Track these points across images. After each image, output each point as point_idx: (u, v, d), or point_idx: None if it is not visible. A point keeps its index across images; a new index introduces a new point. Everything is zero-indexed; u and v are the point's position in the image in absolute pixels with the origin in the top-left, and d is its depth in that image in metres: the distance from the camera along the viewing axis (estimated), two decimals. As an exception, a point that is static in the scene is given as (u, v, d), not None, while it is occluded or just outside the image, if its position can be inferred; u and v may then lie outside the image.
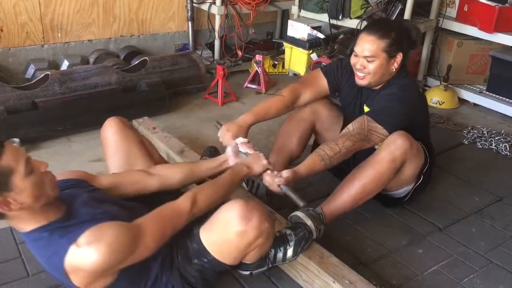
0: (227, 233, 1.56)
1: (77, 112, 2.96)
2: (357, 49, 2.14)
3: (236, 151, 1.97)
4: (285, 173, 1.88)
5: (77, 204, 1.51)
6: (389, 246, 2.14)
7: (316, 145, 2.51)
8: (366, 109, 2.24)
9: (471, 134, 3.17)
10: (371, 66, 2.11)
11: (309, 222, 1.92)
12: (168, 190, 1.82)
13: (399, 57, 2.12)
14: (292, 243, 1.83)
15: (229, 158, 1.96)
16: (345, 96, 2.34)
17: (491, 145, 3.06)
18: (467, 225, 2.32)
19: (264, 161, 1.90)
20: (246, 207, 1.54)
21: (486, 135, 3.14)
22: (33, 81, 3.10)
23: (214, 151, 2.37)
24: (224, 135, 2.09)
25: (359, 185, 2.04)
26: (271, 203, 2.22)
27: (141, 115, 2.95)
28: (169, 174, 1.83)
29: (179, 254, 1.64)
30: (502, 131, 3.18)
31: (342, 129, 2.37)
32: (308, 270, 1.84)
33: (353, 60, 2.17)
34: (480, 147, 3.08)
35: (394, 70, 2.15)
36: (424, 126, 2.34)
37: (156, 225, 1.50)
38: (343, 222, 2.19)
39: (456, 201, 2.49)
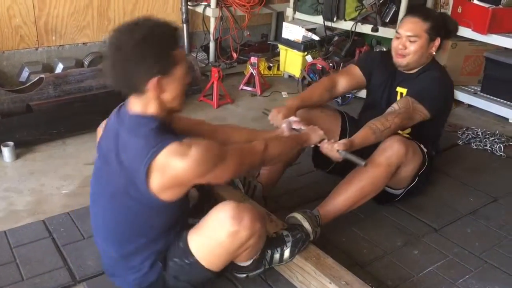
0: (219, 234, 1.55)
1: (72, 115, 2.95)
2: (401, 30, 2.25)
3: (290, 128, 2.06)
4: (343, 141, 1.98)
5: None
6: (384, 247, 2.14)
7: (316, 149, 2.51)
8: (400, 89, 2.34)
9: (466, 135, 3.18)
10: (413, 47, 2.22)
11: (306, 224, 1.92)
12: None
13: (437, 41, 2.25)
14: (289, 244, 1.83)
15: (284, 133, 2.06)
16: (375, 82, 2.43)
17: (486, 146, 3.07)
18: (462, 226, 2.32)
19: (321, 132, 2.02)
20: (238, 208, 1.55)
21: (480, 136, 3.16)
22: (27, 84, 3.08)
23: None
24: (276, 116, 2.15)
25: (356, 188, 2.05)
26: (267, 205, 2.22)
27: (136, 117, 2.94)
28: (235, 135, 2.00)
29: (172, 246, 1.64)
30: (497, 132, 3.19)
31: (341, 130, 2.39)
32: (304, 271, 1.84)
33: (395, 42, 2.28)
34: (475, 148, 3.09)
35: (432, 53, 2.27)
36: (444, 118, 2.45)
37: (238, 154, 1.61)
38: (339, 223, 2.19)
39: (451, 202, 2.50)
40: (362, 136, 2.05)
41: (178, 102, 1.54)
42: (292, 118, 2.09)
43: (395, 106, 2.16)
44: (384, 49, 3.74)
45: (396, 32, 2.29)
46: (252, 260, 1.78)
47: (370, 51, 2.59)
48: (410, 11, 2.39)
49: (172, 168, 1.42)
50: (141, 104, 1.48)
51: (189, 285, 1.67)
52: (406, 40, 2.23)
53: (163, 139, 1.43)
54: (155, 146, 1.41)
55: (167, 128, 1.51)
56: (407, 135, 2.32)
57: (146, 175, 1.43)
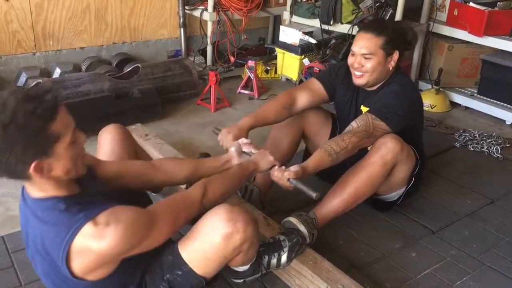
0: (213, 237, 1.51)
1: (70, 119, 2.94)
2: (355, 48, 2.16)
3: (239, 151, 1.96)
4: (294, 168, 1.87)
5: (92, 190, 1.46)
6: (382, 249, 2.15)
7: (307, 151, 2.52)
8: (364, 109, 2.25)
9: (463, 137, 3.19)
10: (369, 64, 2.12)
11: (302, 228, 1.92)
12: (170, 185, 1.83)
13: (396, 55, 2.15)
14: (286, 249, 1.84)
15: (232, 158, 1.94)
16: (341, 98, 2.34)
17: (483, 147, 3.08)
18: (459, 228, 2.33)
19: (271, 158, 1.90)
20: (231, 211, 1.53)
21: (477, 138, 3.16)
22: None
23: (206, 157, 2.37)
24: (225, 137, 2.05)
25: (351, 189, 2.04)
26: (264, 209, 2.23)
27: (134, 122, 2.94)
28: (175, 171, 1.83)
29: (153, 268, 1.57)
30: (494, 134, 3.20)
31: (331, 132, 2.39)
32: (301, 275, 1.84)
33: (350, 59, 2.19)
34: (472, 150, 3.09)
35: (391, 68, 2.17)
36: (419, 126, 2.36)
37: (169, 212, 1.47)
38: (336, 226, 2.19)
39: (448, 204, 2.50)
40: (316, 160, 1.95)
41: (75, 171, 1.35)
42: (242, 140, 1.98)
43: (353, 124, 2.06)
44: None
45: (351, 49, 2.19)
46: (248, 265, 1.79)
47: (334, 65, 2.42)
48: (363, 27, 2.25)
49: (92, 252, 1.29)
50: (36, 189, 1.34)
51: None
52: (361, 58, 2.13)
53: (75, 222, 1.28)
54: (68, 233, 1.28)
55: (79, 200, 1.36)
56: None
57: (66, 265, 1.31)
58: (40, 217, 1.35)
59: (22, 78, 3.45)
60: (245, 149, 1.96)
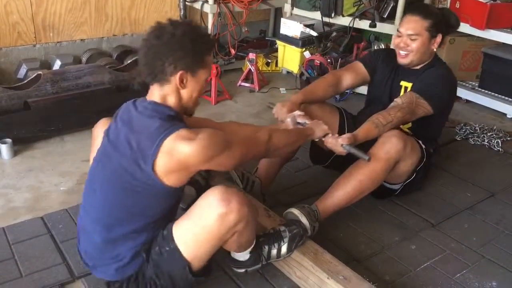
0: (206, 217, 1.53)
1: (70, 112, 2.95)
2: (401, 29, 2.29)
3: (295, 122, 2.09)
4: (346, 135, 1.99)
5: None
6: (382, 242, 2.15)
7: (313, 144, 2.52)
8: (404, 84, 2.36)
9: (464, 130, 3.19)
10: (414, 45, 2.25)
11: (303, 220, 1.93)
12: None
13: (439, 38, 2.28)
14: (286, 240, 1.84)
15: (289, 127, 2.08)
16: (379, 76, 2.45)
17: (484, 141, 3.08)
18: (459, 221, 2.33)
19: (325, 126, 2.04)
20: (226, 191, 1.55)
21: (478, 131, 3.16)
22: (25, 81, 3.08)
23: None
24: (280, 110, 2.17)
25: (355, 183, 2.05)
26: (265, 201, 2.23)
27: (134, 114, 2.93)
28: (240, 131, 2.00)
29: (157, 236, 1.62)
30: (494, 127, 3.20)
31: (339, 126, 2.40)
32: (302, 267, 1.84)
33: (396, 40, 2.33)
34: (473, 143, 3.09)
35: (434, 50, 2.31)
36: (447, 113, 2.46)
37: (242, 142, 1.68)
38: (337, 219, 2.19)
39: (448, 197, 2.50)
40: (365, 130, 2.07)
41: (193, 103, 1.62)
42: (297, 112, 2.11)
43: (398, 100, 2.18)
44: (386, 46, 3.74)
45: (398, 30, 2.33)
46: (249, 255, 1.80)
47: (375, 50, 2.65)
48: (410, 9, 2.40)
49: (179, 151, 1.46)
50: (161, 94, 1.56)
51: (170, 284, 1.62)
52: (407, 39, 2.26)
53: (175, 125, 1.50)
54: (167, 129, 1.48)
55: (180, 120, 1.58)
56: (408, 130, 2.33)
57: (155, 156, 1.46)
58: (150, 114, 1.53)
59: (22, 70, 3.44)
60: (299, 120, 2.09)
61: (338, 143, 1.97)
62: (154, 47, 1.52)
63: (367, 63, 2.47)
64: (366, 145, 2.10)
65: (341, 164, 2.22)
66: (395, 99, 2.21)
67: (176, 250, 1.57)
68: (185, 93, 1.57)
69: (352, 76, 2.45)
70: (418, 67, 2.34)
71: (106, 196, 1.59)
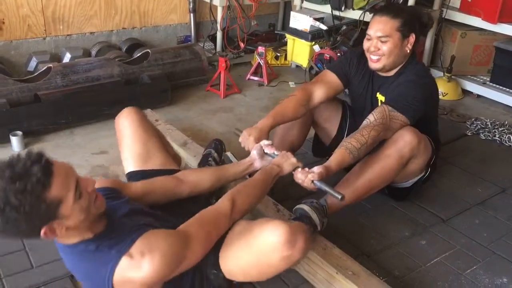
0: (270, 258, 1.46)
1: (80, 104, 2.95)
2: (370, 31, 2.14)
3: (262, 153, 1.97)
4: (317, 169, 1.83)
5: (119, 216, 1.48)
6: (392, 237, 2.14)
7: (316, 137, 2.51)
8: (379, 97, 2.23)
9: (475, 125, 3.16)
10: (385, 47, 2.10)
11: (314, 216, 1.91)
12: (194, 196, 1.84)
13: (412, 38, 2.12)
14: (295, 235, 1.82)
15: (254, 161, 1.96)
16: (356, 86, 2.31)
17: (495, 136, 3.05)
18: (470, 217, 2.31)
19: (294, 159, 1.88)
20: (290, 231, 1.45)
21: (489, 126, 3.13)
22: (35, 74, 3.10)
23: (220, 144, 2.34)
24: (247, 139, 2.03)
25: (365, 180, 2.02)
26: (274, 195, 2.22)
27: (143, 107, 2.90)
28: (199, 181, 1.84)
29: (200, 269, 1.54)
30: (506, 122, 3.17)
31: (341, 119, 2.37)
32: (311, 261, 1.84)
33: (366, 44, 2.17)
34: (484, 138, 3.07)
35: (407, 51, 2.14)
36: (435, 113, 2.33)
37: (201, 230, 1.47)
38: (346, 214, 2.18)
39: (459, 193, 2.49)
40: (338, 159, 1.91)
41: (90, 217, 1.35)
42: (264, 142, 1.99)
43: (370, 117, 2.02)
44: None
45: (366, 33, 2.16)
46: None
47: (346, 53, 2.41)
48: (378, 11, 2.21)
49: (134, 282, 1.32)
50: (63, 239, 1.38)
51: None
52: (378, 41, 2.11)
53: (110, 260, 1.32)
54: (107, 271, 1.32)
55: (107, 233, 1.39)
56: None
57: None
58: (75, 261, 1.42)
59: (33, 63, 3.46)
60: (267, 150, 1.97)
61: (308, 180, 1.82)
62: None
63: (340, 73, 2.29)
64: (375, 146, 2.06)
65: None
66: (367, 117, 2.03)
67: (221, 276, 1.53)
68: (72, 226, 1.31)
69: (324, 89, 2.26)
70: (391, 73, 2.19)
71: None
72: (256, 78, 3.88)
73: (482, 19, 3.41)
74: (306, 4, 3.99)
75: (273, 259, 1.46)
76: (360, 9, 3.62)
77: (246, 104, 3.48)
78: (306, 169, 1.86)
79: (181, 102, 3.42)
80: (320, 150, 2.48)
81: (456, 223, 2.26)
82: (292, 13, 3.99)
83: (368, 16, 3.57)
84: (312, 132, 2.51)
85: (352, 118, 2.36)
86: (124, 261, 1.31)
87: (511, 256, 2.06)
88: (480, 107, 3.57)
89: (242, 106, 3.44)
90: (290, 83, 3.87)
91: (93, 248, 1.36)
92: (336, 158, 1.91)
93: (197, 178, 1.85)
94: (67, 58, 3.55)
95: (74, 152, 2.74)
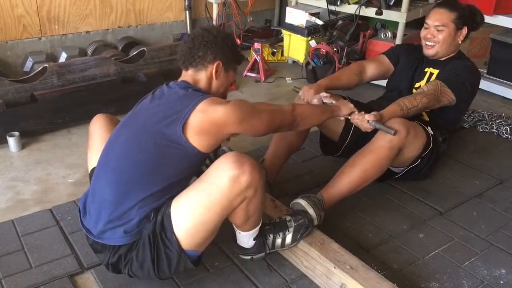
0: (219, 179, 1.54)
1: (76, 104, 2.95)
2: (429, 21, 2.39)
3: (321, 102, 2.16)
4: (372, 113, 2.06)
5: None
6: (389, 231, 2.15)
7: (322, 136, 2.51)
8: (429, 70, 2.44)
9: (472, 117, 3.16)
10: (441, 36, 2.35)
11: (310, 210, 1.92)
12: None
13: (465, 31, 2.37)
14: (291, 229, 1.84)
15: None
16: (404, 62, 2.52)
17: (492, 128, 3.05)
18: (468, 209, 2.32)
19: (351, 105, 2.09)
20: (239, 155, 1.60)
21: (486, 118, 3.13)
22: (31, 74, 3.09)
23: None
24: (307, 91, 2.23)
25: (359, 171, 2.06)
26: (272, 191, 2.23)
27: (140, 105, 2.94)
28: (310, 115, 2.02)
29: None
30: (503, 114, 3.17)
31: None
32: (309, 256, 1.84)
33: (423, 32, 2.42)
34: (481, 130, 3.07)
35: (459, 42, 2.40)
36: (466, 106, 2.54)
37: (268, 110, 1.75)
38: (344, 208, 2.19)
39: (456, 185, 2.49)
40: (391, 111, 2.13)
41: (221, 95, 1.75)
42: (323, 94, 2.17)
43: (424, 88, 2.26)
44: (392, 34, 3.70)
45: (425, 23, 2.41)
46: (253, 242, 1.81)
47: (398, 44, 2.92)
48: (438, 3, 2.49)
49: (213, 111, 1.56)
50: (194, 79, 1.71)
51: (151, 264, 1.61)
52: (434, 30, 2.35)
53: (207, 95, 1.64)
54: (201, 95, 1.61)
55: None
56: (425, 117, 2.38)
57: (188, 115, 1.55)
58: (184, 88, 1.66)
59: (29, 63, 3.45)
60: (325, 100, 2.15)
61: (364, 120, 2.04)
62: (202, 37, 1.69)
63: (391, 55, 2.56)
64: (364, 141, 2.11)
65: (352, 152, 2.20)
66: (421, 86, 2.30)
67: (169, 216, 1.57)
68: (215, 84, 1.73)
69: (376, 66, 2.54)
70: (443, 59, 2.42)
71: (128, 152, 1.62)
72: (253, 75, 3.88)
73: (478, 11, 3.40)
74: (302, 0, 3.98)
75: (222, 181, 1.54)
76: (355, 3, 3.62)
77: (243, 101, 3.47)
78: (363, 112, 2.07)
79: (178, 99, 3.41)
80: (329, 148, 2.49)
81: (454, 215, 2.26)
82: (288, 8, 3.98)
83: (363, 10, 3.57)
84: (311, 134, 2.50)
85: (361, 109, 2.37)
86: (214, 98, 1.62)
87: (509, 248, 2.06)
88: (477, 99, 3.50)
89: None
90: (287, 79, 3.87)
91: (200, 90, 1.68)
92: (389, 110, 2.14)
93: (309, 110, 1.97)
94: (63, 57, 3.55)
95: (71, 151, 2.74)
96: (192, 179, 1.70)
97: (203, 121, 1.56)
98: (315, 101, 2.17)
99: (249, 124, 1.65)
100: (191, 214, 1.56)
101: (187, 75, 1.72)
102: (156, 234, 1.59)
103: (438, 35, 2.35)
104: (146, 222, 1.59)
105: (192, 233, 1.58)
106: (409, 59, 2.52)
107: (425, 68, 2.46)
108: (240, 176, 1.54)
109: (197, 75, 1.71)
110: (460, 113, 2.58)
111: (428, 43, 2.39)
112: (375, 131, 2.11)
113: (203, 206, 1.56)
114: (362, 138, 2.20)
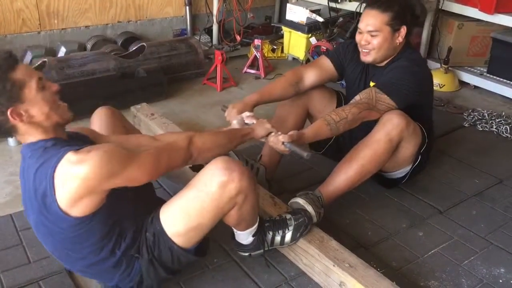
0: (209, 185, 1.53)
1: (75, 99, 2.88)
2: (361, 25, 2.15)
3: (242, 124, 2.00)
4: (291, 132, 1.89)
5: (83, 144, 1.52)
6: (389, 229, 2.14)
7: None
8: (372, 83, 2.22)
9: (472, 116, 3.16)
10: (375, 41, 2.11)
11: (309, 209, 1.91)
12: None
13: (403, 30, 2.12)
14: (291, 228, 1.84)
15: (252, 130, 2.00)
16: (350, 75, 2.33)
17: (492, 127, 3.05)
18: (467, 208, 2.31)
19: (268, 125, 1.92)
20: (229, 161, 1.56)
21: (486, 117, 3.13)
22: (30, 68, 3.07)
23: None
24: (230, 111, 2.10)
25: (357, 166, 2.03)
26: (271, 188, 2.22)
27: (139, 101, 2.93)
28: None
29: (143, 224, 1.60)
30: (503, 113, 3.16)
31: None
32: (308, 254, 1.84)
33: (357, 37, 2.18)
34: (481, 129, 3.06)
35: (398, 44, 2.15)
36: (429, 104, 2.33)
37: (152, 152, 1.50)
38: (343, 206, 2.19)
39: (456, 184, 2.49)
40: (315, 128, 1.95)
41: (55, 113, 1.45)
42: (245, 114, 2.02)
43: (356, 97, 2.06)
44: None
45: (358, 27, 2.19)
46: (251, 238, 1.80)
47: (343, 42, 2.53)
48: (369, 3, 2.20)
49: (73, 176, 1.34)
50: (26, 137, 1.45)
51: (164, 271, 1.62)
52: (368, 35, 2.12)
53: (59, 153, 1.37)
54: (52, 163, 1.37)
55: (67, 142, 1.47)
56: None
57: (53, 193, 1.36)
58: (33, 157, 1.43)
59: (28, 57, 3.44)
60: (247, 121, 2.00)
61: (279, 141, 1.85)
62: None
63: (335, 59, 2.31)
64: (367, 129, 2.07)
65: (336, 152, 2.19)
66: (354, 97, 2.07)
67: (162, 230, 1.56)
68: (35, 119, 1.41)
69: (317, 73, 2.29)
70: (383, 64, 2.20)
71: (43, 237, 1.57)
72: (252, 71, 3.87)
73: (479, 10, 3.39)
74: (302, -4, 3.98)
75: (211, 188, 1.52)
76: (356, 0, 3.60)
77: (243, 97, 3.45)
78: (280, 133, 1.89)
79: (177, 95, 3.40)
80: (314, 144, 2.48)
81: (453, 214, 2.26)
82: (288, 5, 3.97)
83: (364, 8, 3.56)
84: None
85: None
86: (70, 155, 1.36)
87: (508, 247, 2.06)
88: (477, 98, 3.56)
89: (238, 99, 3.40)
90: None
91: (49, 144, 1.43)
92: (312, 126, 1.97)
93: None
94: (62, 52, 3.53)
95: (70, 146, 2.73)
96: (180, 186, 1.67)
97: (70, 192, 1.36)
98: (234, 122, 2.00)
99: (124, 177, 1.40)
100: (184, 222, 1.57)
101: (20, 139, 1.48)
102: (153, 253, 1.58)
103: (372, 40, 2.11)
104: (133, 262, 1.59)
105: (187, 237, 1.59)
106: (356, 69, 2.29)
107: (370, 82, 2.25)
108: (229, 183, 1.53)
109: (21, 135, 1.45)
110: (426, 114, 2.31)
111: (363, 50, 2.16)
112: (365, 131, 2.06)
113: (195, 213, 1.56)
114: (348, 141, 2.14)
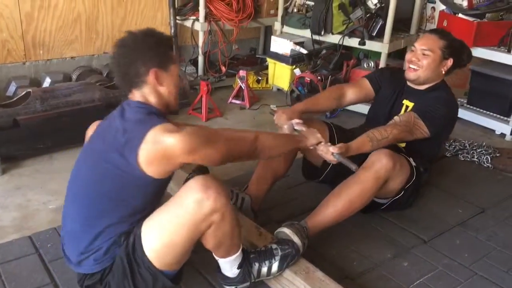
0: (185, 201, 1.55)
1: (59, 129, 2.92)
2: (417, 44, 2.38)
3: (292, 130, 2.15)
4: (338, 145, 2.04)
5: None
6: (374, 259, 2.14)
7: (305, 161, 2.52)
8: (406, 102, 2.42)
9: (453, 146, 3.21)
10: (425, 61, 2.32)
11: (295, 239, 1.91)
12: None
13: (450, 62, 2.34)
14: (277, 258, 1.83)
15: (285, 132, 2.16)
16: (384, 92, 2.51)
17: (473, 157, 3.10)
18: (451, 237, 2.33)
19: (319, 135, 2.06)
20: (207, 178, 1.59)
21: (468, 147, 3.18)
22: (14, 99, 3.05)
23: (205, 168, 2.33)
24: (280, 117, 2.22)
25: (345, 201, 2.06)
26: (257, 219, 2.21)
27: (124, 131, 2.92)
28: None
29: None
30: (484, 144, 3.22)
31: (330, 140, 2.39)
32: (294, 285, 1.82)
33: (409, 55, 2.40)
34: (463, 159, 3.11)
35: (443, 72, 2.36)
36: (445, 138, 2.53)
37: (227, 139, 1.68)
38: (328, 236, 2.18)
39: (440, 214, 2.50)
40: (359, 142, 2.11)
41: (174, 98, 1.68)
42: (295, 120, 2.16)
43: (396, 118, 2.25)
44: (375, 64, 3.78)
45: (412, 46, 2.40)
46: (237, 271, 1.78)
47: (381, 68, 2.88)
48: (431, 30, 2.49)
49: (162, 141, 1.50)
50: (141, 96, 1.63)
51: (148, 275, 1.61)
52: (420, 54, 2.33)
53: (159, 121, 1.56)
54: (152, 122, 1.54)
55: (166, 119, 1.63)
56: (402, 147, 2.36)
57: (138, 146, 1.50)
58: (134, 112, 1.60)
59: (12, 88, 3.42)
60: (297, 127, 2.14)
61: (329, 151, 2.00)
62: (122, 56, 1.62)
63: (373, 80, 2.53)
64: (357, 161, 2.09)
65: (334, 178, 2.21)
66: (394, 117, 2.26)
67: (139, 239, 1.58)
68: (163, 90, 1.64)
69: (356, 91, 2.51)
70: (423, 88, 2.40)
71: (88, 187, 1.64)
72: (237, 102, 3.90)
73: (457, 43, 3.50)
74: (287, 29, 4.06)
75: (187, 203, 1.54)
76: (339, 33, 3.69)
77: (228, 127, 3.48)
78: (329, 143, 2.05)
79: (162, 126, 3.40)
80: (311, 173, 2.50)
81: (437, 244, 2.27)
82: (272, 37, 4.04)
83: (347, 41, 3.65)
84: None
85: (341, 138, 2.37)
86: (168, 124, 1.55)
87: (492, 276, 2.07)
88: (459, 129, 3.61)
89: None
90: (271, 106, 3.88)
91: (154, 111, 1.62)
92: (358, 141, 2.12)
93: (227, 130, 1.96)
94: (47, 82, 3.52)
95: (53, 177, 2.69)
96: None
97: (153, 153, 1.52)
98: (285, 127, 2.16)
99: (201, 154, 1.57)
100: (159, 235, 1.58)
101: (134, 95, 1.64)
102: (129, 256, 1.59)
103: (423, 59, 2.32)
104: (115, 248, 1.61)
105: (161, 254, 1.59)
106: (390, 87, 2.49)
107: (403, 99, 2.44)
108: (204, 200, 1.54)
109: (142, 92, 1.63)
110: (439, 145, 2.54)
111: (411, 66, 2.36)
112: (362, 157, 2.11)
113: (170, 228, 1.57)
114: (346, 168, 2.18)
